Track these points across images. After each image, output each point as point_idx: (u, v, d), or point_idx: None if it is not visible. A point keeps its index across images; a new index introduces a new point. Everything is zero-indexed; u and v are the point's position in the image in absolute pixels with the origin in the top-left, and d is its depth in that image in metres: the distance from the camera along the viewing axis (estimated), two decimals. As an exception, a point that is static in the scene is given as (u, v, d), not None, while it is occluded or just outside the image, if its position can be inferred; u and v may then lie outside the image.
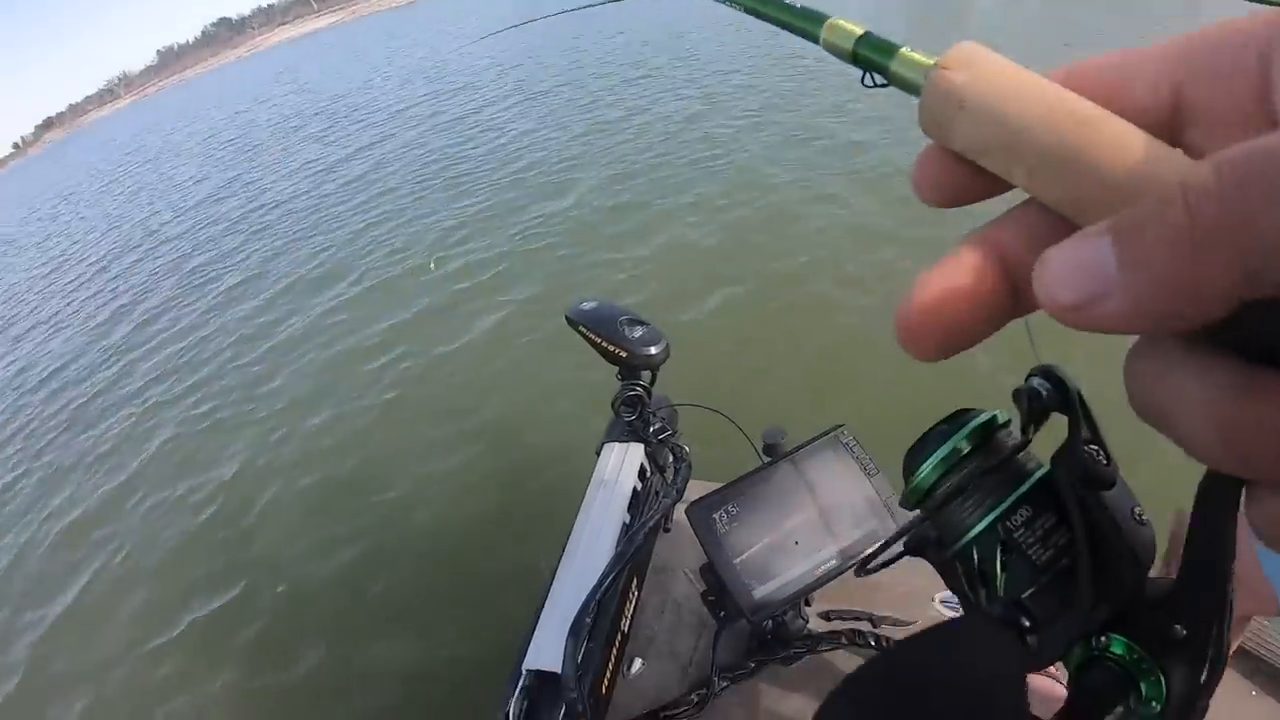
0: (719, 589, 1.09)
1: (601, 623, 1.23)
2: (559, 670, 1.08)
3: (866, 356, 3.91)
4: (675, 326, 4.00)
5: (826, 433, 1.08)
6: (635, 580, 1.40)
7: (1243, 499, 0.17)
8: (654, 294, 4.97)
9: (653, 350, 1.39)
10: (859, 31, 0.27)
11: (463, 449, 4.25)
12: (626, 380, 1.46)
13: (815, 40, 0.29)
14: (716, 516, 1.02)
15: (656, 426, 1.47)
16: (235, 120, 21.36)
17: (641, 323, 1.42)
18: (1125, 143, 0.18)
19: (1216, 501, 0.24)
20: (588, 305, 1.47)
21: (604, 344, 1.41)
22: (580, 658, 1.10)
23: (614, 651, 1.27)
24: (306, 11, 72.60)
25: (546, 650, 1.14)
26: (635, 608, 1.39)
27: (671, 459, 1.49)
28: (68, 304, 9.94)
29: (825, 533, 1.02)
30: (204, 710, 3.23)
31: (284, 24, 75.04)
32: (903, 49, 0.25)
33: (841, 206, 5.48)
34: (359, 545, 3.82)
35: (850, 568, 0.97)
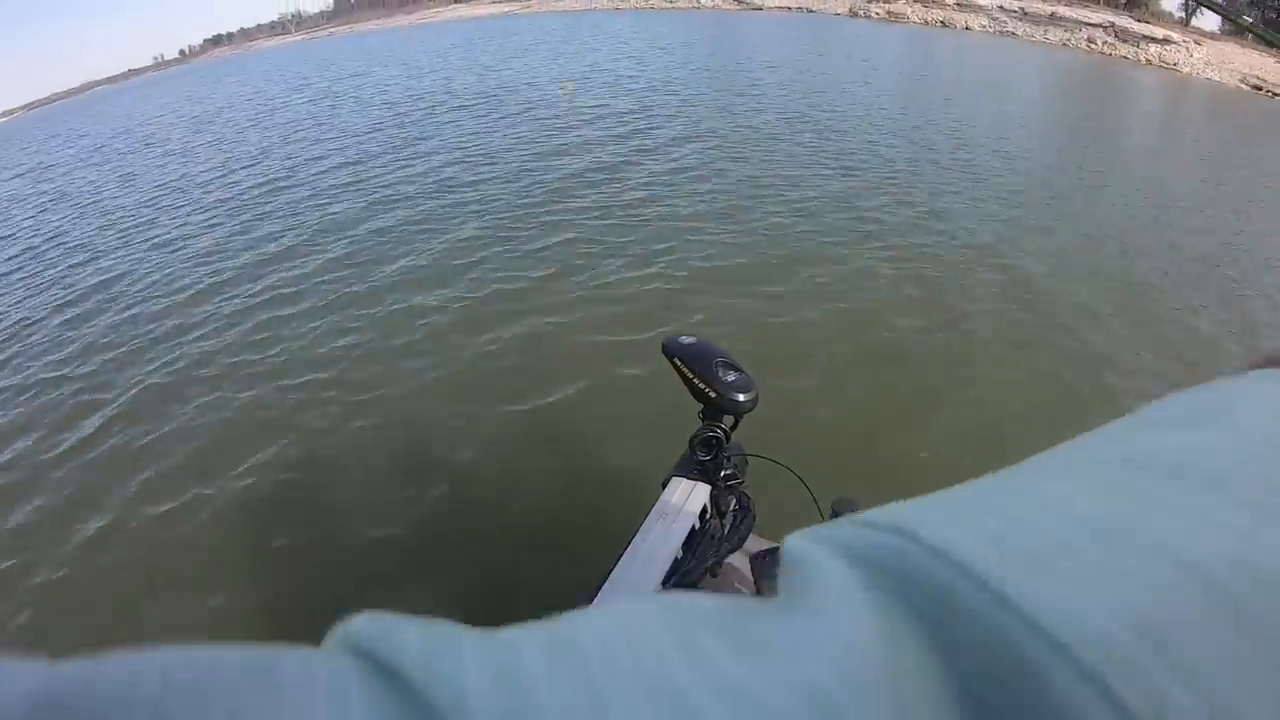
0: None
1: None
2: None
3: (960, 454, 3.90)
4: (771, 379, 4.21)
5: None
6: None
7: None
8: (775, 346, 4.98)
9: (742, 397, 1.39)
10: None
11: (532, 444, 4.24)
12: (708, 421, 1.46)
13: None
14: (777, 571, 0.64)
15: (728, 472, 1.48)
16: (401, 87, 21.81)
17: (736, 368, 1.42)
18: None
19: None
20: (686, 340, 1.47)
21: (695, 381, 1.42)
22: None
23: None
24: (483, -4, 75.70)
25: None
26: None
27: (736, 506, 1.50)
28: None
29: None
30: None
31: (458, 2, 78.19)
32: None
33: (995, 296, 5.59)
34: (388, 512, 3.79)
35: None
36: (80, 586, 3.68)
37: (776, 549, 1.00)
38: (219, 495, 4.11)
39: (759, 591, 1.00)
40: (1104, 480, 0.19)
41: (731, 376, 1.41)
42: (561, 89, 6.20)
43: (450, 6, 76.66)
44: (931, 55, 22.70)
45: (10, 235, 11.91)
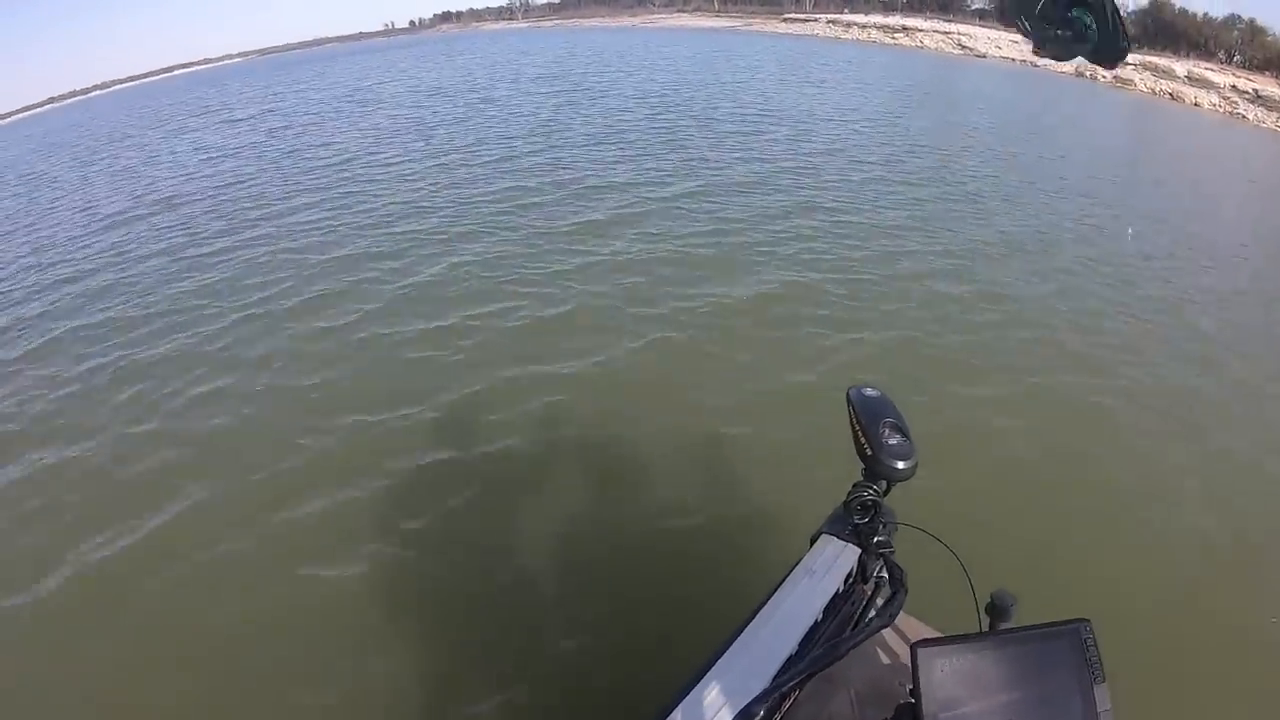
0: None
1: (766, 714, 1.25)
2: None
3: (1141, 563, 4.01)
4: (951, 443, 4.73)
5: (1069, 622, 1.06)
6: (806, 687, 1.41)
7: None
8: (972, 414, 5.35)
9: (900, 464, 1.41)
10: None
11: (696, 480, 4.58)
12: (865, 481, 1.49)
13: None
14: (940, 664, 1.02)
15: (881, 538, 1.49)
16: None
17: (903, 432, 1.43)
18: None
19: None
20: (870, 392, 1.51)
21: (859, 435, 1.46)
22: None
23: None
24: (708, 8, 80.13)
25: (699, 715, 1.19)
26: (792, 706, 1.40)
27: (886, 576, 1.48)
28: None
29: None
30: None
31: (682, 11, 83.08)
32: None
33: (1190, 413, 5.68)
34: (544, 533, 4.23)
35: None
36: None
37: (940, 640, 1.03)
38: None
39: (915, 684, 0.99)
40: None
41: (895, 440, 1.41)
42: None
43: (675, 14, 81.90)
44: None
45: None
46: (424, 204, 11.03)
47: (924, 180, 12.24)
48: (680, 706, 1.20)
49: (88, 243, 10.99)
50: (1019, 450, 4.92)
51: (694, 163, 12.87)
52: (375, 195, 11.76)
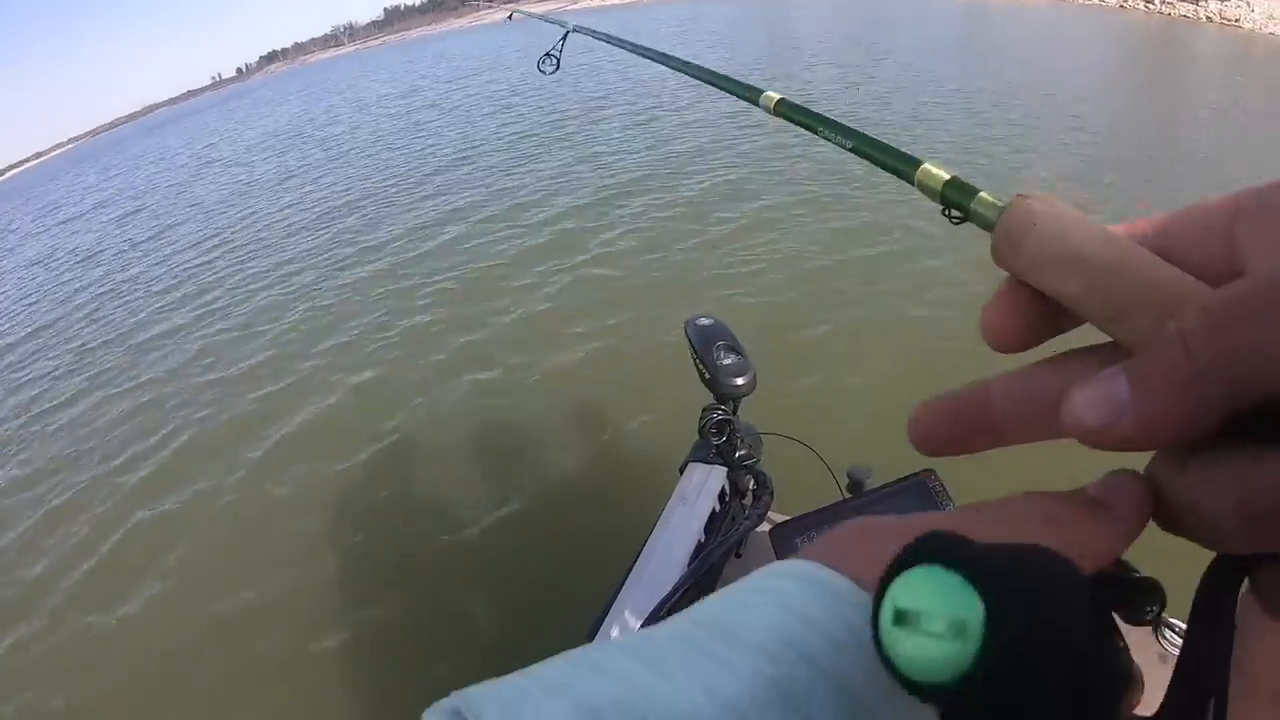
0: None
1: None
2: None
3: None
4: (778, 353, 4.54)
5: (914, 475, 1.10)
6: (700, 599, 1.60)
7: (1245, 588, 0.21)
8: (768, 316, 5.18)
9: (738, 381, 1.42)
10: (947, 175, 0.33)
11: (552, 444, 4.47)
12: (714, 404, 1.49)
13: (911, 181, 0.37)
14: (799, 541, 1.05)
15: (742, 453, 1.51)
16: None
17: (737, 351, 1.45)
18: (1152, 266, 0.22)
19: (1216, 603, 0.22)
20: (704, 321, 1.53)
21: (698, 363, 1.47)
22: None
23: None
24: (532, -3, 77.90)
25: None
26: None
27: (754, 485, 1.52)
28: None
29: None
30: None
31: (507, 3, 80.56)
32: (982, 192, 0.30)
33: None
34: (417, 515, 4.09)
35: None
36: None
37: (793, 519, 1.08)
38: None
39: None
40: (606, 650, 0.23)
41: (730, 360, 1.43)
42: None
43: (501, 7, 79.10)
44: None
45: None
46: (284, 287, 8.23)
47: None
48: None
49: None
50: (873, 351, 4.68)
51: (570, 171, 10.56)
52: (225, 282, 8.92)
